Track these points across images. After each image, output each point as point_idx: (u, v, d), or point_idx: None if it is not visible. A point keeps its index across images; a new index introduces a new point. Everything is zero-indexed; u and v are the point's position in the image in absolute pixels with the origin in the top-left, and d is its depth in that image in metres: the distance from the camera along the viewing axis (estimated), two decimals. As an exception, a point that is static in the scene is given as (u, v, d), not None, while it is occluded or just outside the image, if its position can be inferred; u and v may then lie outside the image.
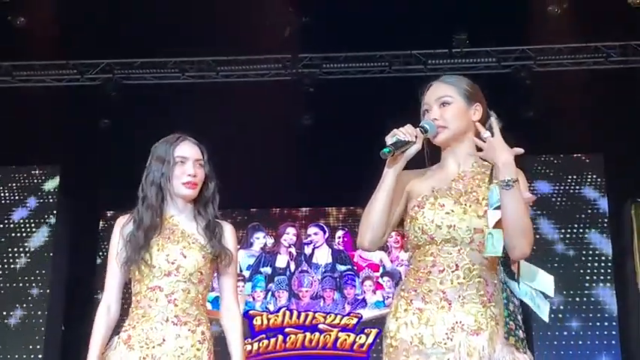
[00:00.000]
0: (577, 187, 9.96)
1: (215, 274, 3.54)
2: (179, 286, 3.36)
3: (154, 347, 3.30)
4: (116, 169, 9.86)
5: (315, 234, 10.78)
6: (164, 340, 3.30)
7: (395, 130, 3.01)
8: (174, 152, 3.48)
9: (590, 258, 9.98)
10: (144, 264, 3.36)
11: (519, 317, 2.89)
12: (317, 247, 10.73)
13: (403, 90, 9.90)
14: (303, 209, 10.90)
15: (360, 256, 10.62)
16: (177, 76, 10.32)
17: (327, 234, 10.75)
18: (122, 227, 3.48)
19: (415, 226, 2.99)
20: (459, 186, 3.03)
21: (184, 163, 3.48)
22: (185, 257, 3.38)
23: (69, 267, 10.62)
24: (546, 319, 2.90)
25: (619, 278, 10.05)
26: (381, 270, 10.57)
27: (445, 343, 2.84)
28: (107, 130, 10.11)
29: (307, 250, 10.73)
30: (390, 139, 2.99)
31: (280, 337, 10.32)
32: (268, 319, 10.36)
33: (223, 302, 3.54)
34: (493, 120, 2.96)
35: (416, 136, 2.99)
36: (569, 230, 10.04)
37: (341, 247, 10.71)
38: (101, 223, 10.83)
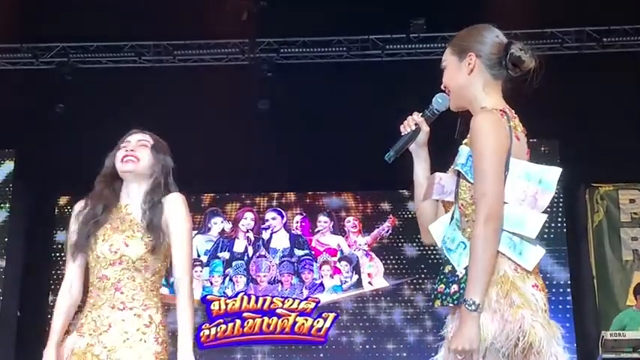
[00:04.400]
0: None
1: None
2: (124, 274, 3.40)
3: (100, 334, 3.35)
4: (72, 153, 9.77)
5: (273, 219, 10.77)
6: (110, 326, 3.35)
7: (401, 126, 3.03)
8: (123, 140, 3.59)
9: (544, 241, 10.10)
10: (91, 254, 3.44)
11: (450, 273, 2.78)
12: (275, 232, 10.72)
13: (361, 75, 10.01)
14: (262, 194, 10.89)
15: (318, 241, 10.64)
16: (133, 60, 10.22)
17: (285, 219, 10.75)
18: (77, 212, 3.55)
19: None
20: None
21: (127, 144, 3.55)
22: (127, 246, 3.41)
23: (24, 252, 10.51)
24: (530, 267, 2.70)
25: (573, 262, 10.19)
26: (338, 255, 10.59)
27: None
28: (62, 114, 9.97)
29: (265, 234, 10.72)
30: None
31: (238, 321, 10.31)
32: (226, 304, 10.35)
33: (174, 274, 3.47)
34: None
35: (416, 124, 2.99)
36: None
37: (299, 232, 10.71)
38: (56, 208, 10.72)
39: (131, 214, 3.48)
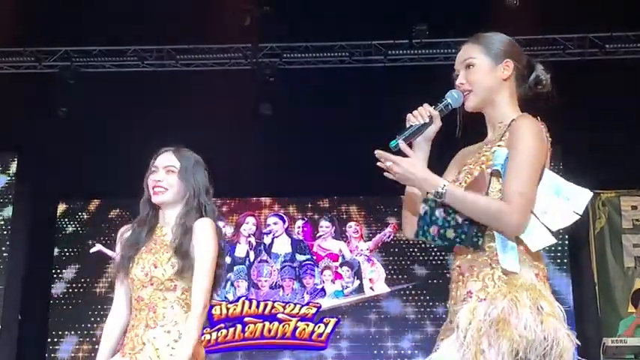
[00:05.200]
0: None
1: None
2: (156, 294, 3.51)
3: (137, 353, 3.46)
4: (74, 158, 9.77)
5: (275, 224, 10.77)
6: (144, 344, 3.46)
7: (409, 114, 2.91)
8: (153, 163, 3.65)
9: (546, 248, 10.06)
10: (129, 277, 3.56)
11: None
12: (276, 237, 10.73)
13: (363, 80, 10.01)
14: (263, 199, 10.89)
15: (320, 246, 10.65)
16: (136, 64, 10.22)
17: (286, 223, 10.75)
18: (121, 236, 3.69)
19: None
20: (476, 158, 2.90)
21: (156, 171, 3.62)
22: (156, 267, 3.51)
23: (25, 257, 10.51)
24: (509, 267, 2.72)
25: (575, 268, 10.18)
26: (340, 260, 10.59)
27: None
28: (65, 118, 9.97)
29: (267, 239, 10.72)
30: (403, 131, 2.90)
31: (239, 326, 10.32)
32: (227, 309, 10.34)
33: (192, 296, 3.51)
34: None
35: (429, 116, 2.88)
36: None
37: (300, 237, 10.71)
38: (58, 212, 10.71)
39: (165, 235, 3.58)
